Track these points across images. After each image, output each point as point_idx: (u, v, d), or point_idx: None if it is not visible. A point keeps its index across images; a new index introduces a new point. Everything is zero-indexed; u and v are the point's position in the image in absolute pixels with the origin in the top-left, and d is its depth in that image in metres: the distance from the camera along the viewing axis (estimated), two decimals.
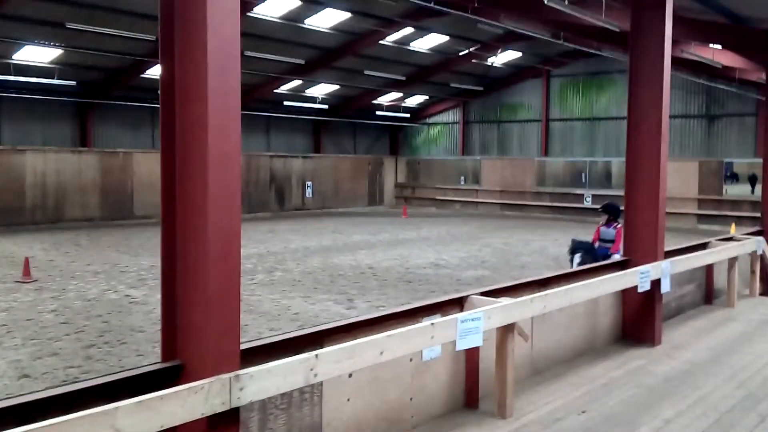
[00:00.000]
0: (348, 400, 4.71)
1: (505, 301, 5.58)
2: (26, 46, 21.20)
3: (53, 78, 22.57)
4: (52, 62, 22.60)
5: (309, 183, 31.79)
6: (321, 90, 31.01)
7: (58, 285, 12.46)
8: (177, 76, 3.66)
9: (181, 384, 3.50)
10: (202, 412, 3.47)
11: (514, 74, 32.51)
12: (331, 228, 23.73)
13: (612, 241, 10.02)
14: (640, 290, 7.35)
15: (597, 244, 10.22)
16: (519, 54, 29.31)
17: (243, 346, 3.88)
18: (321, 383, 4.45)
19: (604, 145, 30.69)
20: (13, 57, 21.78)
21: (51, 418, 3.02)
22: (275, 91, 28.90)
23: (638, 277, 7.28)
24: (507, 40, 26.60)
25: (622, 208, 10.56)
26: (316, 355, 4.03)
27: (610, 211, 10.32)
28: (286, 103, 30.79)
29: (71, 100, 25.21)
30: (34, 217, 23.01)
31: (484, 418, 5.43)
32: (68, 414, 3.06)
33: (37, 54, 22.08)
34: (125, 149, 25.90)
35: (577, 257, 9.79)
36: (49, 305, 10.78)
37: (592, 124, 31.21)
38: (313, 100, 31.73)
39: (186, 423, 3.46)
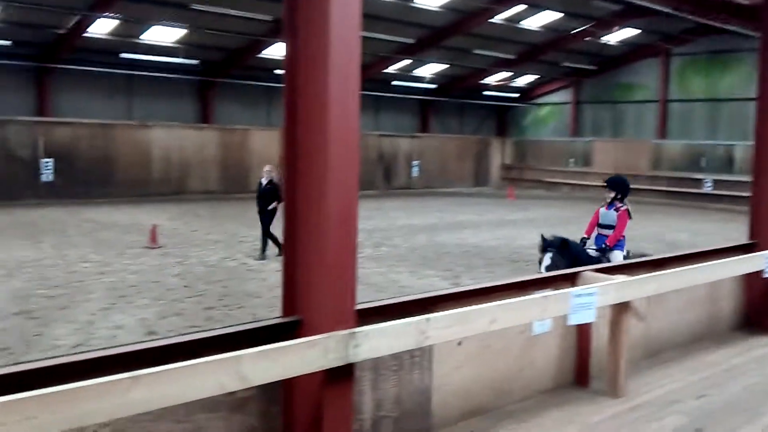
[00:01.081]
0: (457, 367, 4.76)
1: (620, 278, 5.43)
2: (153, 27, 22.42)
3: (178, 57, 23.79)
4: (177, 42, 23.79)
5: (415, 162, 31.94)
6: (429, 70, 30.97)
7: (181, 252, 13.24)
8: (300, 54, 3.79)
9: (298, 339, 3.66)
10: (320, 366, 3.61)
11: (630, 52, 31.16)
12: (437, 207, 23.78)
13: (612, 227, 8.09)
14: (766, 275, 6.95)
15: (595, 232, 8.23)
16: (637, 31, 28.06)
17: (357, 307, 4.00)
18: (431, 349, 4.52)
19: (728, 128, 28.92)
20: (141, 37, 23.10)
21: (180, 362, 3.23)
22: (383, 71, 29.13)
23: (765, 262, 6.87)
24: (624, 17, 25.53)
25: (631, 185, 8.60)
26: (428, 319, 4.09)
27: (615, 186, 8.25)
28: (394, 83, 30.97)
29: (194, 79, 26.45)
30: (160, 189, 24.49)
31: (595, 396, 5.33)
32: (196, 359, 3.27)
33: (163, 34, 23.30)
34: (243, 126, 27.02)
35: (547, 258, 7.40)
36: (174, 270, 11.49)
37: (715, 105, 29.47)
38: (420, 79, 31.75)
39: (304, 375, 3.63)
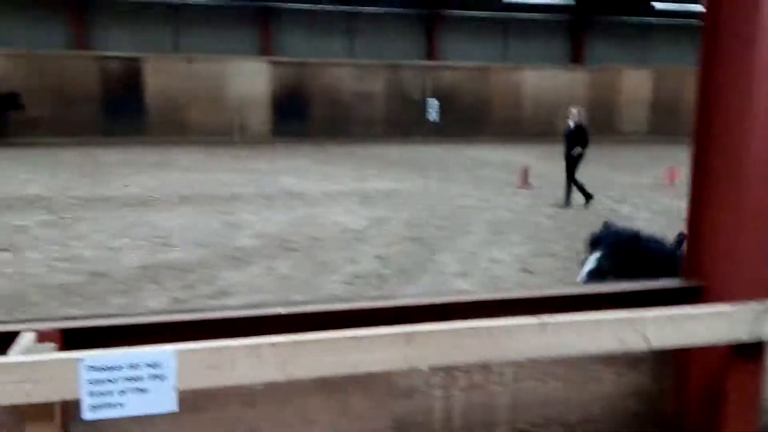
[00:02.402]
0: None
1: None
2: None
3: None
4: None
5: None
6: None
7: (552, 193, 13.53)
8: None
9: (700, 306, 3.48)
10: (726, 338, 3.40)
11: None
12: None
13: None
14: None
15: None
16: None
17: None
18: None
19: None
20: None
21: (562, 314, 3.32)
22: None
23: None
24: None
25: None
26: None
27: None
28: None
29: (566, 19, 26.10)
30: (531, 130, 25.19)
31: None
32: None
33: None
34: (614, 66, 26.02)
35: (592, 260, 4.44)
36: (544, 210, 11.82)
37: None
38: None
39: (707, 346, 3.46)
